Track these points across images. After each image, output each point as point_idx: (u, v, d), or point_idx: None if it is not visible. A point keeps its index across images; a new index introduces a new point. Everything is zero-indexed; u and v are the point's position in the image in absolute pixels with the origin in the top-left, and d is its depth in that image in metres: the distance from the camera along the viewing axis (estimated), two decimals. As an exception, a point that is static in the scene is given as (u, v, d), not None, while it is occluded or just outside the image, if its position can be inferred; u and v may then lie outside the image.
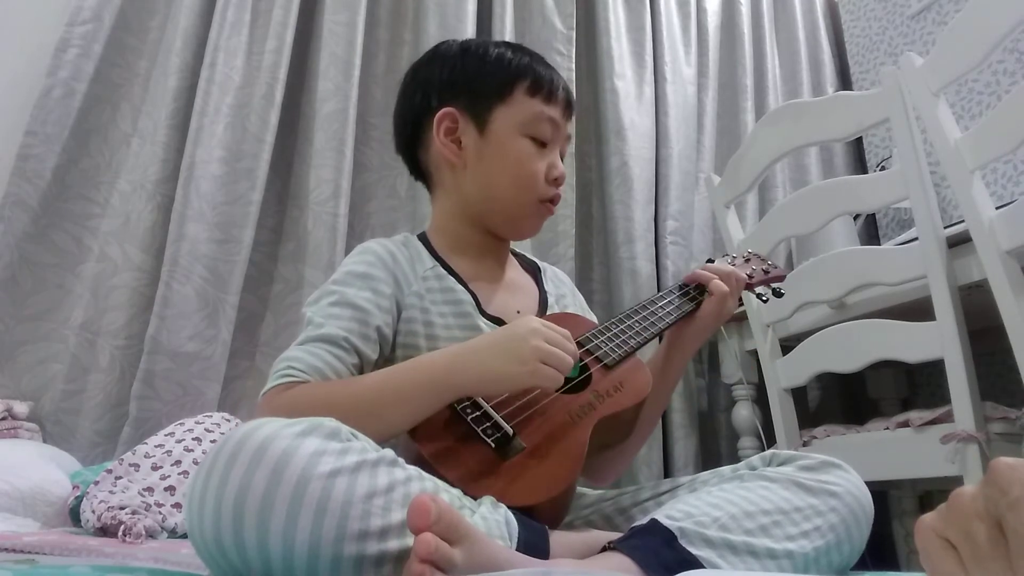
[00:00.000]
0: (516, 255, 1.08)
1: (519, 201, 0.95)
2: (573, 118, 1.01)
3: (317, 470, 0.55)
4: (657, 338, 0.96)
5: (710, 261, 1.07)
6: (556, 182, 0.95)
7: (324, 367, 0.80)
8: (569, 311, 1.02)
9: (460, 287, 0.92)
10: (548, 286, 1.04)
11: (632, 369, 0.88)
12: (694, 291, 0.99)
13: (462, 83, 0.95)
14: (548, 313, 0.98)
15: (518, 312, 0.95)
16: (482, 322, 0.90)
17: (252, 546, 0.53)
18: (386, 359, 0.87)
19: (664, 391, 0.97)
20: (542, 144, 0.94)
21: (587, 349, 0.87)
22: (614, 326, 0.91)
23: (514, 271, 1.04)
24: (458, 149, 0.94)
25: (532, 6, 2.09)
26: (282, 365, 0.81)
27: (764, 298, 1.08)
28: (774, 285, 1.10)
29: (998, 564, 0.32)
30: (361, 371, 0.84)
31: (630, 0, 2.22)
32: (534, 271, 1.07)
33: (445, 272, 0.93)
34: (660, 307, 0.96)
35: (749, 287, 1.05)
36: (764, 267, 1.09)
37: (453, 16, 1.94)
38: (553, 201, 0.97)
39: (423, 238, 0.99)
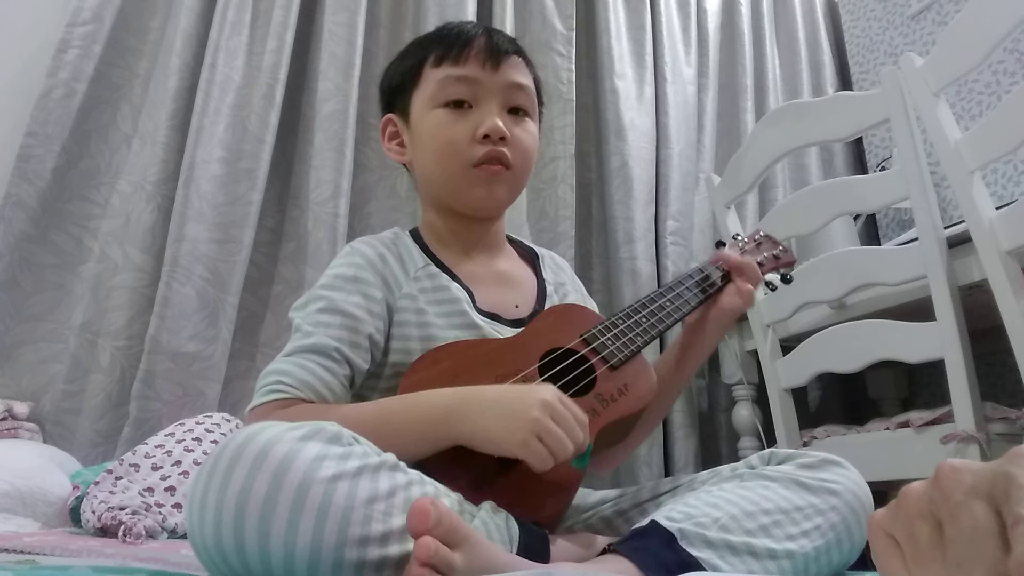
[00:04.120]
0: (514, 243, 1.05)
1: (448, 173, 0.90)
2: (514, 61, 0.93)
3: (319, 475, 0.55)
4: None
5: (720, 245, 1.03)
6: (486, 138, 0.88)
7: (315, 381, 0.77)
8: (570, 300, 0.99)
9: (454, 284, 0.89)
10: (547, 274, 1.01)
11: (637, 371, 0.85)
12: (708, 283, 0.94)
13: (388, 87, 0.99)
14: (548, 303, 0.95)
15: (516, 307, 0.92)
16: (479, 319, 0.87)
17: (253, 550, 0.53)
18: (378, 365, 0.85)
19: (676, 386, 0.95)
20: (460, 106, 0.89)
21: (593, 348, 0.84)
22: (621, 321, 0.88)
23: (509, 261, 1.00)
24: (402, 149, 0.97)
25: (532, 6, 2.09)
26: (270, 379, 0.77)
27: (772, 286, 1.03)
28: (783, 270, 1.04)
29: (936, 567, 0.32)
30: (352, 382, 0.82)
31: (630, 0, 2.22)
32: (532, 259, 1.03)
33: (437, 270, 0.91)
34: (669, 300, 0.92)
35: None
36: (775, 252, 1.03)
37: (453, 16, 1.94)
38: (491, 160, 0.88)
39: (415, 233, 0.97)
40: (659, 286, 2.00)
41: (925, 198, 1.29)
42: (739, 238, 1.05)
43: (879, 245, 1.86)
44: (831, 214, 1.46)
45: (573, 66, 2.07)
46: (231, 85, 1.75)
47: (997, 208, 1.23)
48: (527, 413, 0.67)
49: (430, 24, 1.94)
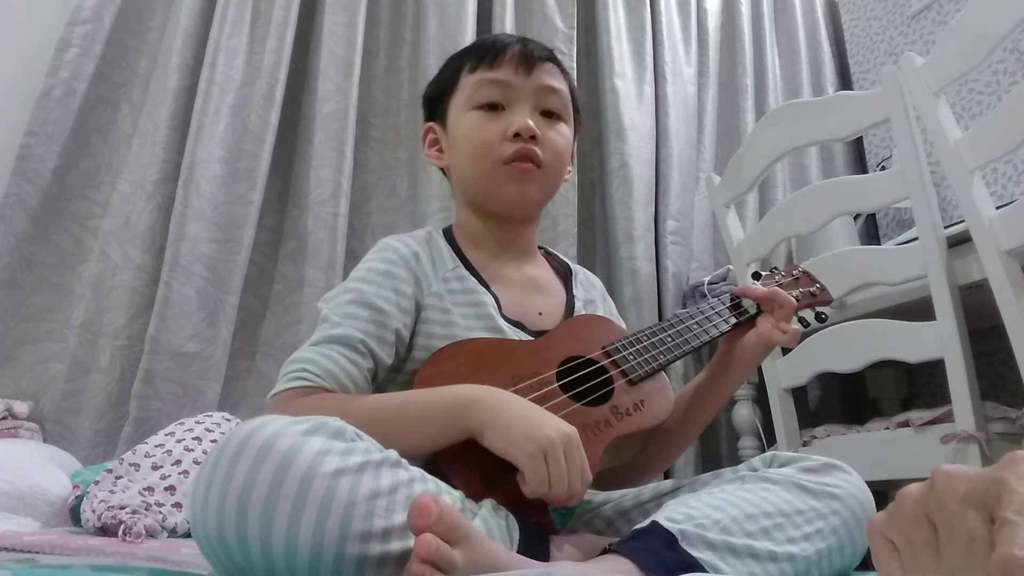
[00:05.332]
0: (550, 256, 1.06)
1: (481, 171, 0.92)
2: (548, 66, 0.95)
3: (321, 469, 0.55)
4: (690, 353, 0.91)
5: (756, 276, 1.02)
6: (517, 137, 0.90)
7: (338, 371, 0.78)
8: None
9: (481, 288, 0.90)
10: (578, 291, 1.01)
11: (656, 389, 0.85)
12: (738, 311, 0.92)
13: (428, 98, 1.02)
14: (575, 316, 0.95)
15: (540, 314, 0.92)
16: (503, 324, 0.87)
17: (255, 543, 0.53)
18: (401, 360, 0.85)
19: (699, 419, 0.93)
20: (493, 108, 0.92)
21: (614, 360, 0.84)
22: (645, 338, 0.88)
23: (540, 270, 1.01)
24: (440, 154, 0.99)
25: (533, 5, 2.09)
26: (295, 367, 0.78)
27: (806, 323, 0.99)
28: (818, 308, 1.00)
29: (932, 572, 0.32)
30: (375, 376, 0.82)
31: (630, 0, 2.22)
32: (565, 274, 1.04)
33: (467, 273, 0.91)
34: (697, 323, 0.91)
35: (795, 310, 0.95)
36: (812, 288, 1.00)
37: (453, 16, 1.94)
38: (521, 157, 0.90)
39: (448, 232, 0.99)
40: (658, 286, 2.01)
41: (925, 198, 1.29)
42: (776, 271, 1.03)
43: (879, 245, 1.86)
44: (831, 214, 1.46)
45: (574, 64, 2.08)
46: (231, 85, 1.75)
47: (997, 208, 1.23)
48: (546, 431, 0.67)
49: (430, 24, 1.94)
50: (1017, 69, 1.88)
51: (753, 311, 0.92)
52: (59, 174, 1.62)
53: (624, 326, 1.00)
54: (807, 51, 2.53)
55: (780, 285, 0.99)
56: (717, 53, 2.36)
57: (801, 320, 0.99)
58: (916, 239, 1.33)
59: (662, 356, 0.86)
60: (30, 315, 1.56)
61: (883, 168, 2.08)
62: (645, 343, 0.87)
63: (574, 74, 2.07)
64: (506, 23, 2.02)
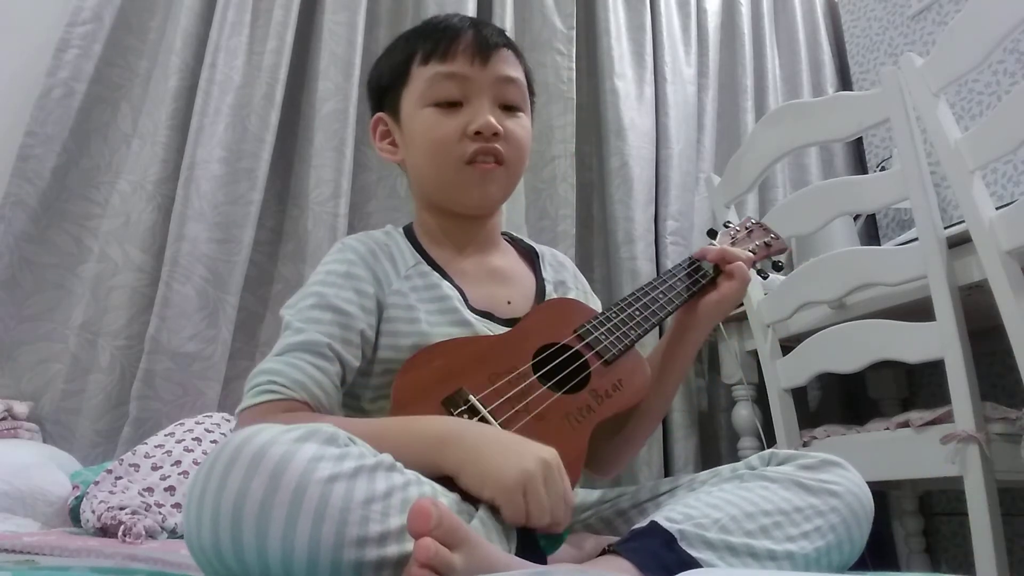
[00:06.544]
0: (515, 241, 1.04)
1: (440, 172, 0.89)
2: (504, 54, 0.91)
3: (315, 475, 0.54)
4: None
5: (712, 233, 1.02)
6: (478, 135, 0.86)
7: (307, 380, 0.77)
8: (571, 296, 0.98)
9: (444, 282, 0.88)
10: (547, 272, 0.99)
11: (631, 366, 0.85)
12: (700, 274, 0.94)
13: (377, 86, 0.97)
14: (547, 299, 0.94)
15: (508, 303, 0.91)
16: (471, 316, 0.86)
17: (251, 552, 0.53)
18: (368, 362, 0.84)
19: (672, 380, 0.94)
20: (451, 105, 0.88)
21: (587, 343, 0.84)
22: (614, 315, 0.87)
23: (506, 258, 0.99)
24: (394, 148, 0.96)
25: (532, 5, 2.09)
26: (262, 379, 0.76)
27: (764, 274, 1.02)
28: (774, 258, 1.02)
29: None
30: (344, 379, 0.81)
31: (630, 0, 2.22)
32: (531, 257, 1.02)
33: (429, 268, 0.90)
34: (662, 292, 0.91)
35: (751, 263, 0.97)
36: (767, 239, 1.02)
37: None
38: (485, 155, 0.87)
39: (409, 230, 0.97)
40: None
41: (925, 198, 1.29)
42: (730, 226, 1.04)
43: (879, 245, 1.86)
44: (831, 214, 1.46)
45: (573, 65, 2.07)
46: (231, 85, 1.75)
47: (997, 208, 1.22)
48: (522, 463, 0.64)
49: (430, 24, 1.93)
50: (1017, 69, 1.88)
51: (712, 272, 0.94)
52: (59, 174, 1.62)
53: (598, 302, 0.99)
54: (807, 51, 2.53)
55: (735, 240, 1.01)
56: (717, 53, 2.36)
57: (760, 272, 1.00)
58: (916, 239, 1.33)
59: (633, 332, 0.86)
60: (30, 315, 1.56)
61: (883, 168, 2.08)
62: (615, 320, 0.87)
63: (573, 74, 2.07)
64: (506, 23, 2.01)
